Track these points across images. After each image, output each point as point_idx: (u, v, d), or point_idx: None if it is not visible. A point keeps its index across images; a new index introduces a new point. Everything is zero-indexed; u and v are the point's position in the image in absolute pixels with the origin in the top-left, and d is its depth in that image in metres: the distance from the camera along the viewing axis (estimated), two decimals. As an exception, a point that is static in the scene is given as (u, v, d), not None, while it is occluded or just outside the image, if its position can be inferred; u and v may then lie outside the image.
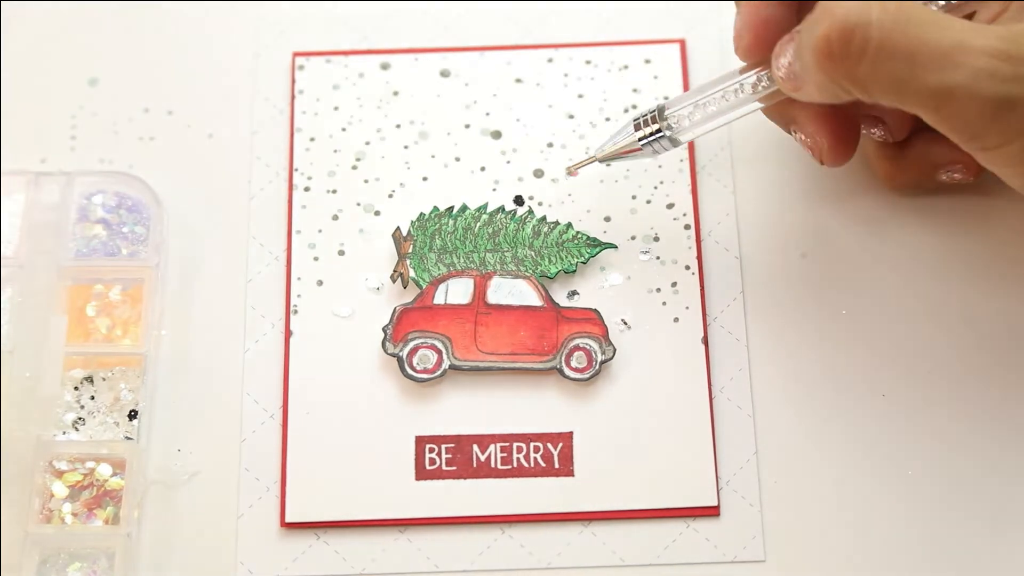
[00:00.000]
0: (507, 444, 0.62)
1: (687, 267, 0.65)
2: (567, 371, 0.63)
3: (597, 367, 0.63)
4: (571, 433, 0.62)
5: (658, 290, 0.65)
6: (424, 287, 0.64)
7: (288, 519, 0.61)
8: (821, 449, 0.62)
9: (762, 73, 0.59)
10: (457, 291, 0.64)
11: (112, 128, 0.69)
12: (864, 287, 0.65)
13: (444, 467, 0.62)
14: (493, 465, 0.62)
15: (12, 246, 0.65)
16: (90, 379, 0.63)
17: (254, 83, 0.70)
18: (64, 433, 0.62)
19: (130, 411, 0.63)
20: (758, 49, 0.58)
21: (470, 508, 0.61)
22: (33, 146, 0.68)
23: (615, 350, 0.63)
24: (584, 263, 0.65)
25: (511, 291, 0.64)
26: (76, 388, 0.63)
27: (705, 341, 0.64)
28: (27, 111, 0.69)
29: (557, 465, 0.62)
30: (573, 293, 0.65)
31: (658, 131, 0.61)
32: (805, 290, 0.65)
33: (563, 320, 0.64)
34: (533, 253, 0.65)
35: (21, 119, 0.69)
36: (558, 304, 0.64)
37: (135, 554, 0.61)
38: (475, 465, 0.62)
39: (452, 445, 0.62)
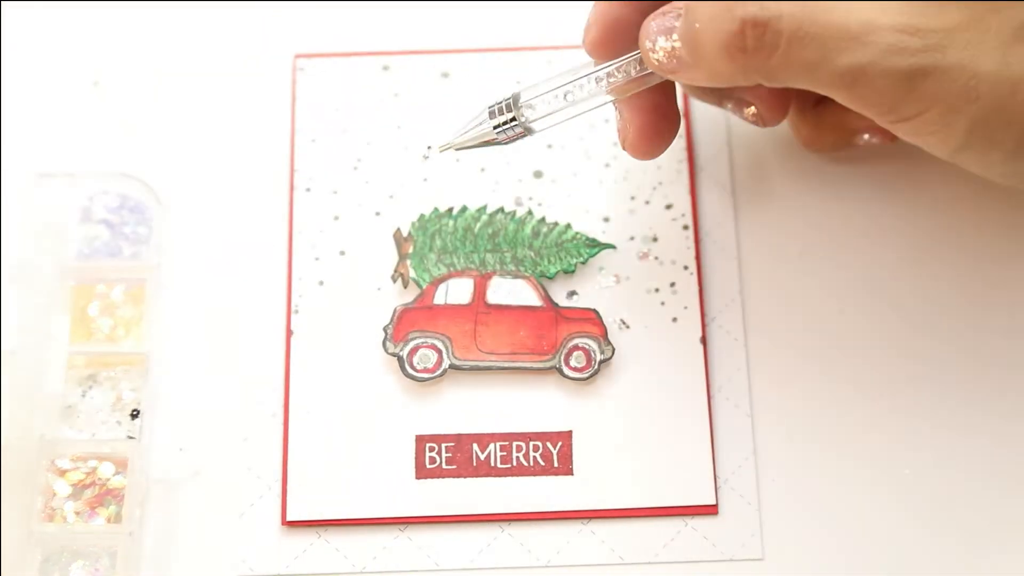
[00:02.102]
0: (507, 443, 0.62)
1: (686, 267, 0.65)
2: (566, 370, 0.63)
3: (596, 367, 0.63)
4: (570, 432, 0.63)
5: (657, 290, 0.65)
6: (424, 287, 0.65)
7: (289, 517, 0.61)
8: (819, 448, 0.62)
9: (615, 67, 0.58)
10: (457, 291, 0.64)
11: (114, 129, 0.69)
12: (862, 287, 0.65)
13: (444, 466, 0.62)
14: (493, 464, 0.62)
15: (14, 246, 0.65)
16: (93, 378, 0.64)
17: (255, 84, 0.70)
18: (66, 432, 0.63)
19: (132, 410, 0.63)
20: (604, 45, 0.58)
21: (470, 506, 0.62)
22: (35, 147, 0.68)
23: (614, 350, 0.63)
24: (583, 263, 0.65)
25: (511, 291, 0.64)
26: (78, 387, 0.63)
27: (704, 341, 0.64)
28: (29, 112, 0.69)
29: (556, 464, 0.62)
30: (572, 293, 0.65)
31: (512, 119, 0.59)
32: (803, 290, 0.65)
33: (562, 320, 0.64)
34: (532, 253, 0.65)
35: (23, 120, 0.69)
36: (557, 304, 0.64)
37: (137, 552, 0.61)
38: (475, 464, 0.62)
39: (452, 444, 0.62)
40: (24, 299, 0.64)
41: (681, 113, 0.61)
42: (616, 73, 0.58)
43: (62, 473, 0.62)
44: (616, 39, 0.58)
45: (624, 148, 0.60)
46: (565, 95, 0.59)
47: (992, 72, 0.52)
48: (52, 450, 0.62)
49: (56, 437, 0.62)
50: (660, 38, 0.55)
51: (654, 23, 0.55)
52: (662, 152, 0.60)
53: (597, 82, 0.58)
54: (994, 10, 0.53)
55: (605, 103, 0.59)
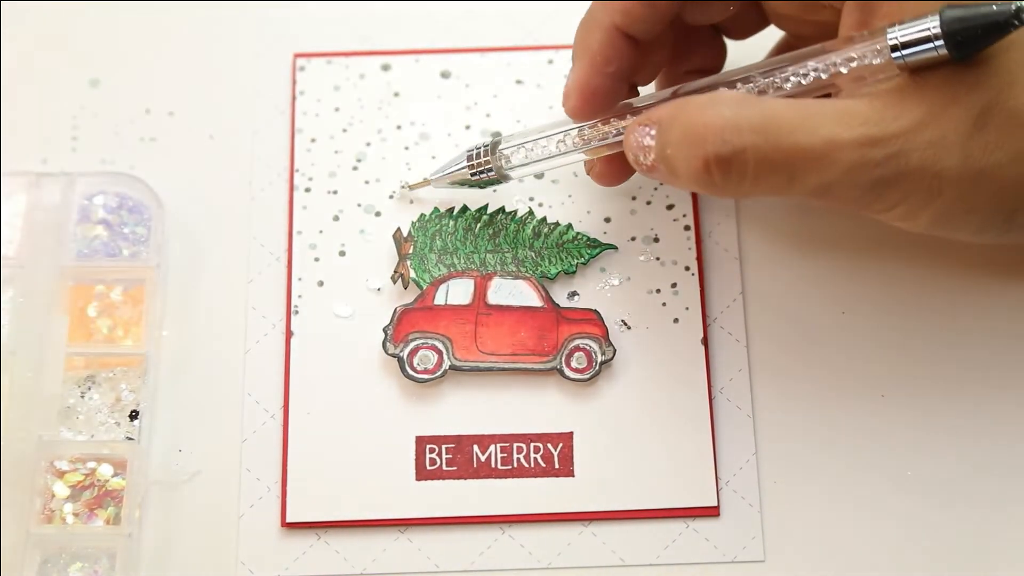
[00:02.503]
0: (507, 444, 0.62)
1: (687, 268, 0.65)
2: (567, 371, 0.63)
3: (597, 367, 0.63)
4: (571, 433, 0.62)
5: (658, 291, 0.65)
6: (424, 288, 0.64)
7: (289, 519, 0.61)
8: (821, 449, 0.62)
9: (590, 131, 0.60)
10: (457, 292, 0.64)
11: (113, 129, 0.69)
12: (863, 287, 0.65)
13: (444, 467, 0.62)
14: (493, 465, 0.62)
15: (13, 246, 0.65)
16: (92, 379, 0.63)
17: (255, 84, 0.70)
18: (65, 433, 0.63)
19: (131, 411, 0.63)
20: (582, 112, 0.60)
21: (470, 508, 0.61)
22: (34, 147, 0.68)
23: (615, 351, 0.63)
24: (584, 264, 0.65)
25: (511, 292, 0.64)
26: (77, 388, 0.63)
27: (705, 342, 0.64)
28: (28, 112, 0.69)
29: (557, 465, 0.62)
30: (573, 294, 0.65)
31: (488, 165, 0.63)
32: (805, 291, 0.65)
33: (563, 321, 0.64)
34: (533, 254, 0.65)
35: (22, 120, 0.69)
36: (558, 305, 0.64)
37: (136, 554, 0.61)
38: (475, 465, 0.62)
39: (452, 445, 0.62)
40: (23, 299, 0.64)
41: None
42: (595, 140, 0.60)
43: (61, 474, 0.62)
44: (595, 106, 0.60)
45: (589, 175, 0.63)
46: (542, 149, 0.62)
47: (954, 168, 0.52)
48: (51, 451, 0.62)
49: (55, 438, 0.62)
50: (640, 153, 0.56)
51: (638, 137, 0.56)
52: (625, 181, 0.63)
53: (575, 144, 0.61)
54: (954, 100, 0.52)
55: (579, 160, 0.62)
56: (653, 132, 0.55)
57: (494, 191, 0.66)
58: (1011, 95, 0.53)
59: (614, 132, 0.59)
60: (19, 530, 0.60)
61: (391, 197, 0.67)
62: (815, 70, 0.55)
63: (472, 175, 0.63)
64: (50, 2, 0.71)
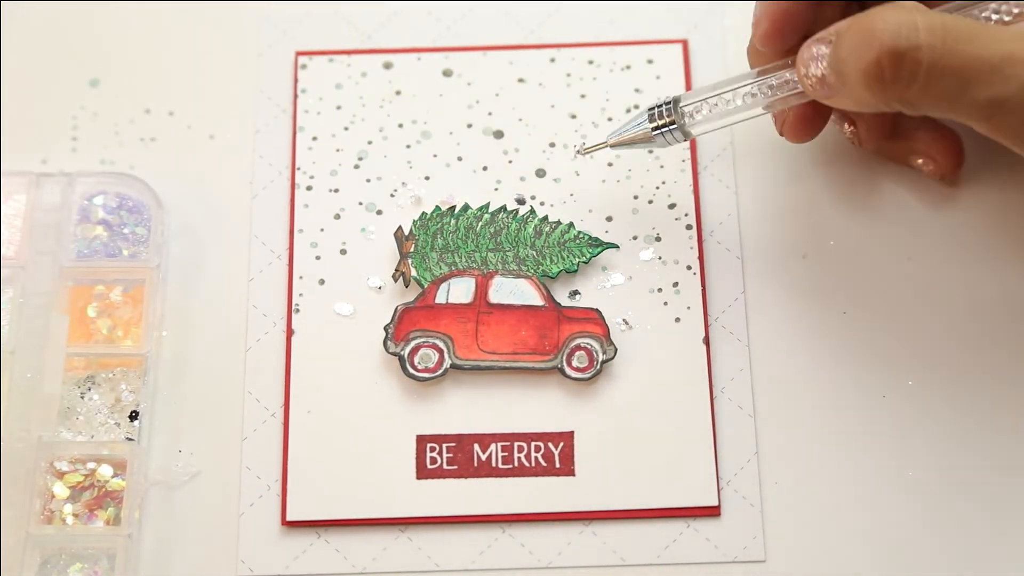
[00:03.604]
0: (508, 443, 0.62)
1: (689, 267, 0.65)
2: (568, 371, 0.63)
3: (598, 367, 0.63)
4: (572, 433, 0.62)
5: (659, 290, 0.65)
6: (426, 286, 0.64)
7: (289, 518, 0.61)
8: (821, 449, 0.62)
9: (778, 80, 0.59)
10: (459, 290, 0.64)
11: (113, 129, 0.69)
12: (865, 288, 0.65)
13: (445, 466, 0.62)
14: (494, 464, 0.62)
15: (13, 247, 0.65)
16: (91, 380, 0.63)
17: (257, 82, 0.70)
18: (65, 434, 0.63)
19: (131, 412, 0.63)
20: (772, 38, 0.59)
21: (471, 507, 0.61)
22: (34, 147, 0.68)
23: (616, 350, 0.63)
24: (586, 263, 0.65)
25: (513, 290, 0.64)
26: (77, 388, 0.63)
27: (706, 341, 0.64)
28: (28, 112, 0.69)
29: (558, 464, 0.62)
30: (575, 293, 0.65)
31: (671, 122, 0.61)
32: (806, 291, 0.65)
33: (564, 320, 0.63)
34: (535, 252, 0.65)
35: (22, 120, 0.69)
36: (559, 304, 0.64)
37: (136, 554, 0.61)
38: (476, 464, 0.62)
39: (453, 444, 0.62)
40: (23, 299, 0.64)
41: None
42: (784, 90, 0.59)
43: (61, 475, 0.62)
44: (785, 32, 0.59)
45: (781, 133, 0.62)
46: (725, 103, 0.60)
47: None
48: (51, 452, 0.62)
49: (55, 439, 0.62)
50: (812, 64, 0.56)
51: (812, 48, 0.56)
52: (814, 137, 0.62)
53: (764, 93, 0.60)
54: None
55: (759, 115, 0.61)
56: (831, 40, 0.55)
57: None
58: None
59: (793, 85, 0.59)
60: (19, 530, 0.60)
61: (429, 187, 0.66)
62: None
63: (654, 132, 0.62)
64: (50, 2, 0.71)
